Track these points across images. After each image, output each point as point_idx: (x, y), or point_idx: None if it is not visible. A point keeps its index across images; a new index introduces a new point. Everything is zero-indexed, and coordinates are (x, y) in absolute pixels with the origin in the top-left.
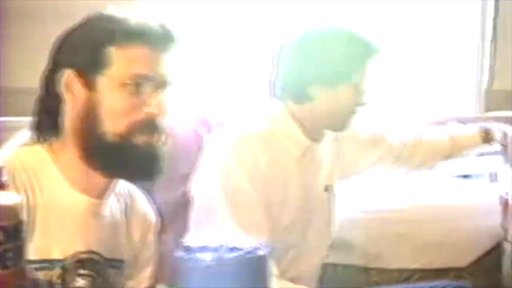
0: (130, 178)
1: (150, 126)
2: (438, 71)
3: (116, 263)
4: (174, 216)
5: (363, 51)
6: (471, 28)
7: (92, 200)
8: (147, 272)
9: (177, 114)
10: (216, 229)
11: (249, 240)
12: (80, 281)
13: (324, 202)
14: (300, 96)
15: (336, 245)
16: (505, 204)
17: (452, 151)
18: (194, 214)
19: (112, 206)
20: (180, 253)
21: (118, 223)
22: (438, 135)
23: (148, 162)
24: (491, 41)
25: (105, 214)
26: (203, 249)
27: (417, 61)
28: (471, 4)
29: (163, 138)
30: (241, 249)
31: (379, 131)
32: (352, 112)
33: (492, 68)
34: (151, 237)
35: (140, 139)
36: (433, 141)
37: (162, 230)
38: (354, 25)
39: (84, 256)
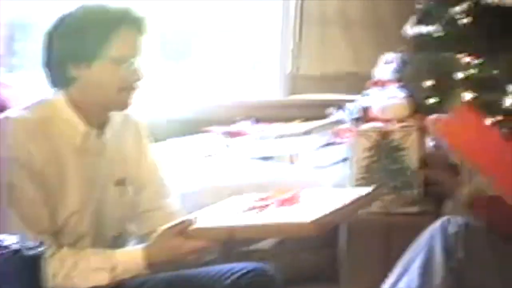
0: None
1: None
2: (242, 55)
3: None
4: None
5: (111, 23)
6: (274, 11)
7: None
8: None
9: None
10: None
11: (23, 239)
12: None
13: (115, 195)
14: (64, 79)
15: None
16: None
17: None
18: None
19: None
20: None
21: None
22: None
23: None
24: (295, 24)
25: None
26: None
27: (221, 44)
28: None
29: None
30: (7, 249)
31: (163, 175)
32: (128, 88)
33: (295, 52)
34: None
35: None
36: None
37: None
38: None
39: None
